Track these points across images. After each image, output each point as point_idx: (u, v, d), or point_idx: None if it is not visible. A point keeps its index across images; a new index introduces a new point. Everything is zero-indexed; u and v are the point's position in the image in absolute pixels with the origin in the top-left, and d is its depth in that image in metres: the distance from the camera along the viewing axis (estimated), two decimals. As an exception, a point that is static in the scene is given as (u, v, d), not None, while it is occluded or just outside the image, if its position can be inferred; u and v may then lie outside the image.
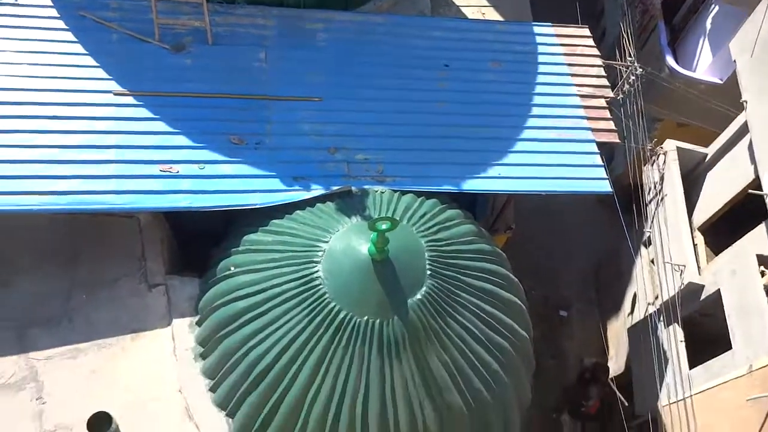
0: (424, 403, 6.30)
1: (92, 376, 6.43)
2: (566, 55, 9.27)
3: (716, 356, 8.95)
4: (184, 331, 6.80)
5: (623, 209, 10.01)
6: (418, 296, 6.22)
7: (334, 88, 8.11)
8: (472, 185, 7.66)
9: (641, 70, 9.95)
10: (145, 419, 6.27)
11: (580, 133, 8.44)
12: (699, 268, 9.70)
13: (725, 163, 10.09)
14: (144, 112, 7.28)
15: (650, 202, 10.99)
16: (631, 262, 11.71)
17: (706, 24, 12.21)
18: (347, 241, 6.32)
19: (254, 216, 7.07)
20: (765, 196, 7.85)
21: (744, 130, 9.28)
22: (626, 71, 10.00)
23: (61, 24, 7.78)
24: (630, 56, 10.17)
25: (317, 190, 7.16)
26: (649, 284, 10.82)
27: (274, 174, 7.19)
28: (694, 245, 10.06)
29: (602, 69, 9.29)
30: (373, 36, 8.80)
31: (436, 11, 10.31)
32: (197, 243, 8.07)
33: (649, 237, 11.00)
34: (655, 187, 10.84)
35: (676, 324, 9.82)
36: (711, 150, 10.49)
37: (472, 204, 8.59)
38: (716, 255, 9.73)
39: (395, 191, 7.31)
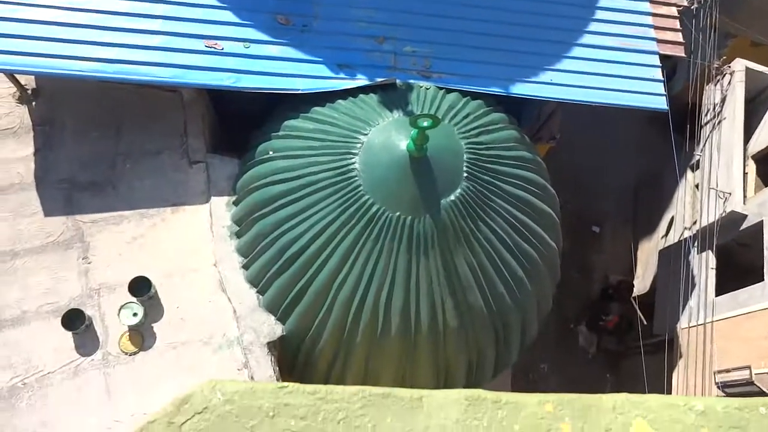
0: (446, 300, 6.48)
1: (134, 242, 6.75)
2: (641, -47, 8.49)
3: (745, 287, 8.89)
4: (221, 209, 6.99)
5: (675, 129, 9.59)
6: (452, 197, 6.21)
7: (387, -29, 7.66)
8: (520, 89, 7.37)
9: (722, -24, 9.13)
10: (181, 287, 6.62)
11: (643, 43, 7.90)
12: (745, 197, 9.40)
13: (796, 90, 9.45)
14: (191, -17, 7.05)
15: (706, 124, 10.49)
16: (674, 185, 11.41)
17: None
18: (387, 136, 6.25)
19: (296, 101, 7.00)
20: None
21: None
22: (705, -23, 9.19)
23: None
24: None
25: (361, 80, 6.99)
26: (689, 209, 10.60)
27: (319, 60, 7.01)
28: (744, 174, 9.68)
29: (680, -27, 8.53)
30: None
31: None
32: (237, 124, 8.09)
33: (698, 161, 10.62)
34: (714, 108, 10.29)
35: (709, 251, 9.70)
36: (783, 74, 9.81)
37: (518, 109, 8.31)
38: (766, 186, 9.38)
39: (440, 88, 7.09)
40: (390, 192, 6.13)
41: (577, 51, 7.69)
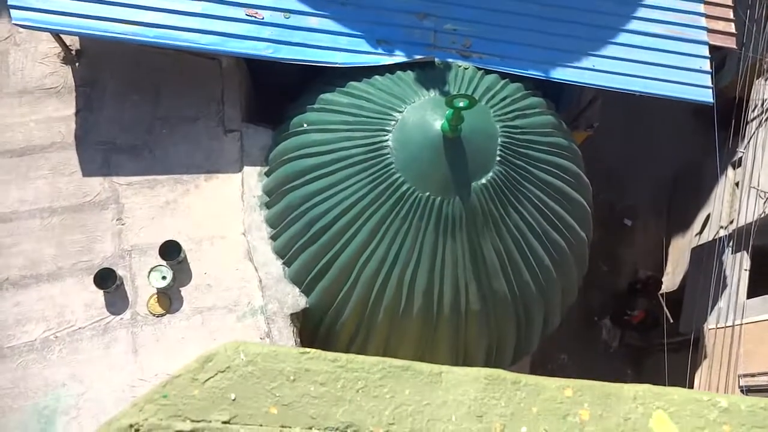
0: (470, 283, 6.47)
1: (167, 206, 6.87)
2: (697, -64, 8.15)
3: (780, 290, 8.66)
4: (253, 179, 7.06)
5: (719, 124, 9.30)
6: (483, 180, 6.16)
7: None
8: (561, 74, 7.22)
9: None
10: (210, 254, 6.74)
11: (693, 33, 7.63)
12: (787, 199, 9.11)
13: None
14: (234, -50, 7.04)
15: (752, 120, 10.15)
16: (713, 182, 11.11)
17: None
18: (422, 114, 6.21)
19: (332, 75, 6.98)
20: None
21: None
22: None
23: None
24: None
25: (400, 57, 6.93)
26: (727, 207, 10.32)
27: (358, 34, 6.96)
28: (788, 174, 9.37)
29: (737, -39, 8.17)
30: None
31: None
32: (273, 95, 8.12)
33: (740, 158, 10.30)
34: (762, 104, 9.94)
35: (744, 251, 9.46)
36: (838, 72, 9.40)
37: (557, 94, 8.14)
38: (810, 188, 9.07)
39: (479, 69, 6.99)
40: (421, 171, 6.11)
41: (622, 37, 7.47)
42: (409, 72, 6.85)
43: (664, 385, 1.82)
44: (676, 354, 10.66)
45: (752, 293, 9.28)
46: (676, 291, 11.78)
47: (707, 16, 7.74)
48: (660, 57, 7.43)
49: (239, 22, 6.75)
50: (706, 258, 10.35)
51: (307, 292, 6.66)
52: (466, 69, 6.93)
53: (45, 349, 6.26)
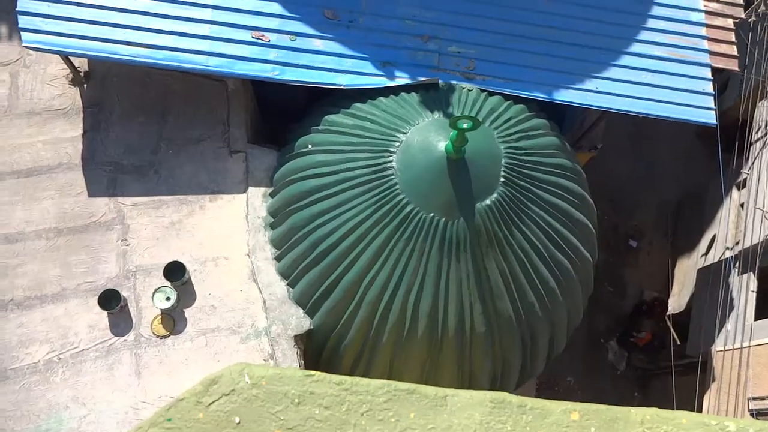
0: (475, 305, 6.43)
1: (171, 227, 6.89)
2: (698, -39, 8.25)
3: (788, 312, 8.58)
4: (258, 200, 7.08)
5: (723, 145, 9.31)
6: (487, 202, 6.16)
7: (435, -28, 7.64)
8: (564, 96, 7.26)
9: (783, -10, 8.81)
10: (214, 275, 6.73)
11: (695, 55, 7.69)
12: (793, 220, 9.07)
13: None
14: (243, -25, 7.16)
15: (756, 141, 10.16)
16: (718, 203, 11.08)
17: None
18: (425, 136, 6.24)
19: (337, 96, 7.04)
20: None
21: None
22: (765, -10, 8.88)
23: None
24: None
25: (404, 79, 6.99)
26: (733, 228, 10.28)
27: (363, 56, 7.04)
28: (794, 195, 9.34)
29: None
30: None
31: None
32: (279, 116, 8.18)
33: (745, 179, 10.28)
34: (765, 126, 9.96)
35: (751, 273, 9.39)
36: (841, 94, 9.43)
37: (561, 115, 8.19)
38: (816, 209, 9.03)
39: (483, 91, 7.04)
40: (425, 192, 6.12)
41: (625, 59, 7.53)
42: (413, 94, 6.91)
43: (672, 409, 1.79)
44: (684, 376, 10.53)
45: (760, 315, 9.19)
46: (683, 313, 11.68)
47: (709, 39, 7.81)
48: (663, 79, 7.48)
49: (246, 44, 6.84)
50: (712, 279, 10.28)
51: (311, 313, 6.63)
52: (470, 91, 6.98)
53: (48, 371, 6.23)
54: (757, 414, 8.66)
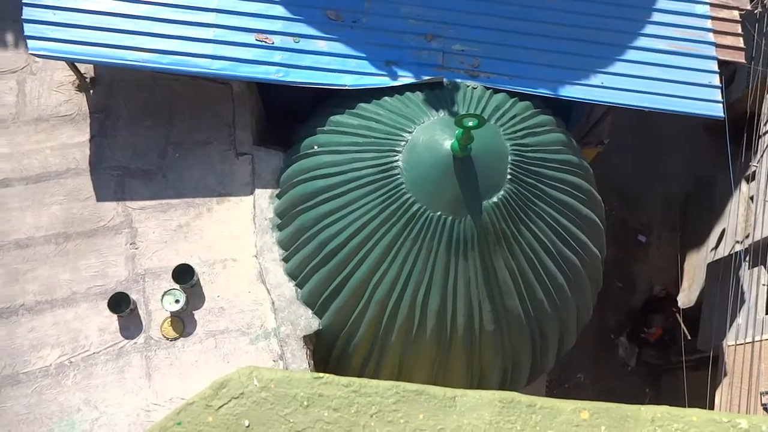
0: (484, 303, 6.42)
1: (179, 230, 6.92)
2: (703, -47, 8.19)
3: (800, 306, 8.51)
4: (265, 201, 7.10)
5: (731, 138, 9.25)
6: (494, 199, 6.15)
7: (438, -31, 7.63)
8: (570, 92, 7.23)
9: (789, -19, 8.73)
10: (223, 276, 6.76)
11: (701, 48, 7.64)
12: (803, 212, 9.00)
13: None
14: (246, -23, 7.18)
15: (764, 134, 10.08)
16: (727, 196, 11.01)
17: None
18: (431, 134, 6.23)
19: (342, 97, 7.04)
20: None
21: None
22: (771, -19, 8.81)
23: None
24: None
25: (408, 78, 6.99)
26: (742, 222, 10.20)
27: (367, 56, 7.04)
28: (804, 187, 9.27)
29: (744, -25, 8.19)
30: None
31: None
32: (284, 118, 8.20)
33: (754, 172, 10.21)
34: (773, 118, 9.88)
35: (762, 266, 9.33)
36: None
37: (567, 112, 8.16)
38: (826, 201, 8.96)
39: (488, 88, 7.03)
40: (432, 191, 6.11)
41: (630, 54, 7.49)
42: (418, 93, 6.90)
43: (684, 405, 1.78)
44: (696, 372, 10.47)
45: (771, 309, 9.12)
46: (693, 307, 11.62)
47: (715, 32, 7.75)
48: (669, 73, 7.44)
49: (250, 47, 6.85)
50: (722, 273, 10.22)
51: (319, 313, 6.65)
52: (474, 89, 6.97)
53: (60, 374, 6.28)
54: (770, 408, 8.60)
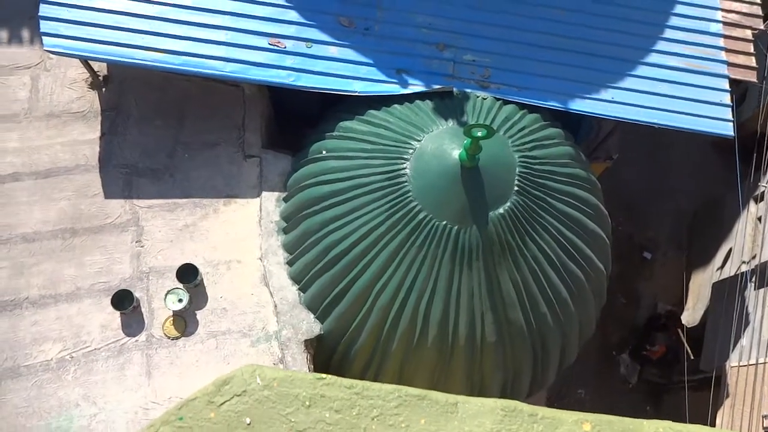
0: (486, 314, 6.40)
1: (185, 229, 6.94)
2: (717, -29, 8.20)
3: (805, 328, 8.44)
4: (271, 204, 7.11)
5: (741, 157, 9.21)
6: (501, 210, 6.14)
7: (451, -20, 7.66)
8: (580, 105, 7.24)
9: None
10: (226, 278, 6.77)
11: (712, 66, 7.63)
12: (811, 234, 8.94)
13: None
14: (261, -18, 7.23)
15: (774, 155, 10.04)
16: (735, 216, 10.95)
17: None
18: (439, 143, 6.24)
19: (352, 103, 7.07)
20: None
21: None
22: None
23: None
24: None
25: (418, 87, 7.01)
26: (749, 242, 10.15)
27: (378, 63, 7.07)
28: (812, 210, 9.22)
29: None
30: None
31: None
32: (293, 122, 8.23)
33: (762, 192, 10.16)
34: (784, 139, 9.84)
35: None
36: None
37: (576, 125, 8.15)
38: (835, 224, 8.90)
39: (498, 99, 7.04)
40: (438, 200, 6.11)
41: (641, 70, 7.49)
42: (427, 101, 6.92)
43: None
44: (697, 392, 10.39)
45: (776, 331, 9.04)
46: (697, 327, 11.53)
47: (727, 50, 7.75)
48: (680, 90, 7.43)
49: (262, 50, 6.89)
50: (728, 293, 10.15)
51: (321, 318, 6.64)
52: (484, 99, 6.98)
53: (60, 369, 6.29)
54: (772, 431, 8.51)
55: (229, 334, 6.54)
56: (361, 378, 7.13)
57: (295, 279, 6.79)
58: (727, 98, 7.49)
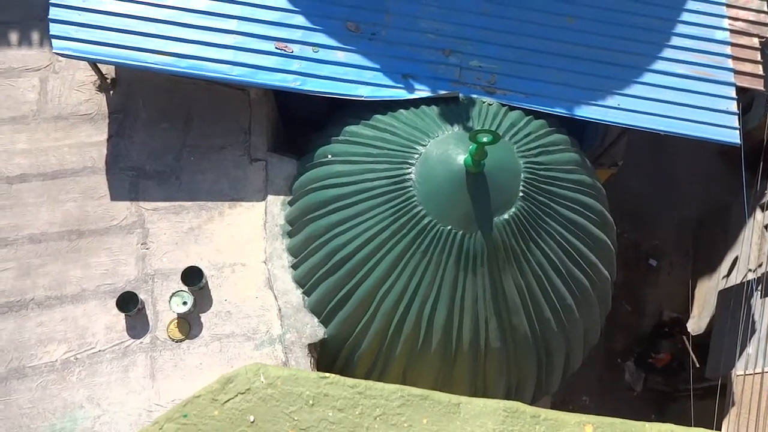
0: (490, 320, 6.39)
1: (190, 232, 6.96)
2: (724, -21, 8.20)
3: (811, 338, 8.38)
4: (276, 208, 7.13)
5: (747, 165, 9.19)
6: (506, 216, 6.14)
7: (458, -15, 7.69)
8: (586, 112, 7.23)
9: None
10: (231, 281, 6.78)
11: (719, 74, 7.62)
12: (818, 243, 8.89)
13: None
14: (269, -14, 7.28)
15: (780, 163, 10.01)
16: (741, 224, 10.91)
17: None
18: (445, 148, 6.25)
19: (358, 107, 7.09)
20: None
21: None
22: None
23: None
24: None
25: (424, 92, 7.03)
26: (756, 250, 10.10)
27: (384, 68, 7.09)
28: (819, 218, 9.17)
29: (766, 2, 8.17)
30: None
31: None
32: (299, 126, 8.26)
33: (768, 201, 10.13)
34: (790, 147, 9.81)
35: (774, 296, 9.21)
36: None
37: (581, 131, 8.15)
38: (842, 233, 8.85)
39: (503, 105, 7.05)
40: (443, 205, 6.12)
41: (648, 77, 7.49)
42: (433, 106, 6.93)
43: (689, 430, 1.77)
44: (703, 400, 10.32)
45: (782, 340, 8.99)
46: (703, 335, 11.48)
47: (734, 58, 7.74)
48: (686, 97, 7.42)
49: (269, 55, 6.93)
50: (734, 301, 10.10)
51: (325, 322, 6.64)
52: (490, 105, 6.99)
53: (65, 370, 6.31)
54: (778, 441, 8.44)
55: (233, 337, 6.55)
56: (365, 382, 7.12)
57: (300, 282, 6.79)
58: (733, 106, 7.48)
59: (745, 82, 7.69)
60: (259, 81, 6.89)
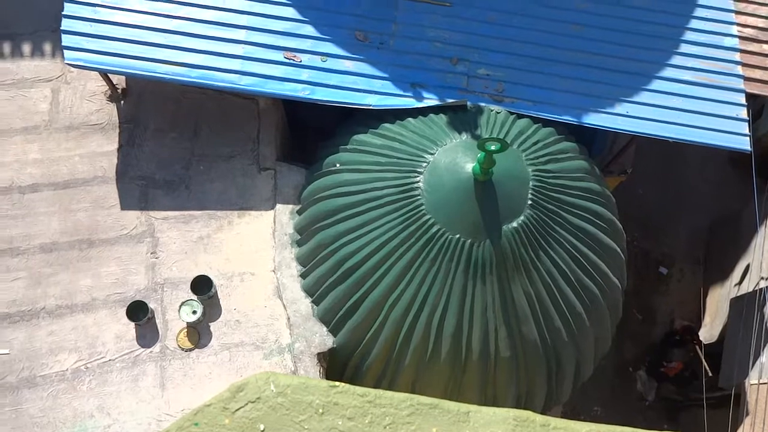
0: (500, 328, 6.36)
1: (200, 241, 6.99)
2: (734, -14, 8.18)
3: (826, 346, 8.28)
4: (285, 217, 7.15)
5: (758, 172, 9.12)
6: (514, 224, 6.13)
7: (466, -5, 7.72)
8: (594, 120, 7.22)
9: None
10: (240, 290, 6.79)
11: (729, 80, 7.59)
12: (831, 250, 8.80)
13: None
14: (278, -3, 7.35)
15: (792, 170, 9.93)
16: (752, 231, 10.81)
17: None
18: (453, 157, 6.25)
19: (366, 116, 7.11)
20: None
21: None
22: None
23: None
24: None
25: (432, 100, 7.04)
26: (768, 257, 10.01)
27: (392, 77, 7.12)
28: (832, 225, 9.08)
29: (776, 10, 8.14)
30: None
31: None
32: (308, 135, 8.30)
33: (780, 207, 10.04)
34: (802, 154, 9.74)
35: (787, 304, 9.11)
36: None
37: (590, 139, 8.12)
38: None
39: (511, 113, 7.05)
40: (451, 213, 6.11)
41: (657, 84, 7.47)
42: (441, 115, 6.94)
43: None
44: (716, 410, 10.19)
45: (796, 348, 8.88)
46: (715, 343, 11.36)
47: (744, 64, 7.71)
48: (696, 104, 7.39)
49: (278, 64, 6.98)
50: (746, 309, 10.00)
51: (334, 331, 6.64)
52: (498, 113, 7.00)
53: (75, 379, 6.33)
54: (793, 452, 8.32)
55: (243, 347, 6.56)
56: (374, 391, 7.10)
57: (309, 292, 6.80)
58: (743, 112, 7.44)
59: (756, 89, 7.65)
60: (268, 90, 6.94)
